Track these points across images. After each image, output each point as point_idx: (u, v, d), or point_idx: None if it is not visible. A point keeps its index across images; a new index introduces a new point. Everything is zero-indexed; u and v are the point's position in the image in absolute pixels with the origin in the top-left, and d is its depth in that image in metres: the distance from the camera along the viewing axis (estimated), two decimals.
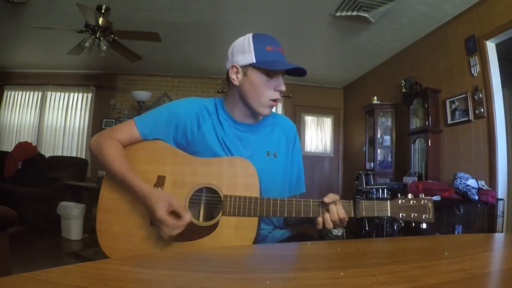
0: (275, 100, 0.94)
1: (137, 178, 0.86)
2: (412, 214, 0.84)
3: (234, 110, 1.00)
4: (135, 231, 0.87)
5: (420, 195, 0.86)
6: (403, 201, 0.85)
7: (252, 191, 0.86)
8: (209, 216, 0.87)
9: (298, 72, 0.94)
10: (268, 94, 0.92)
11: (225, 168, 0.88)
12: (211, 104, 1.02)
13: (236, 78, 0.94)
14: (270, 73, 0.91)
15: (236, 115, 1.00)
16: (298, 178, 1.09)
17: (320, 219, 0.84)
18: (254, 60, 0.91)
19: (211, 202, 0.88)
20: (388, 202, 0.85)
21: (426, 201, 0.84)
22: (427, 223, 0.84)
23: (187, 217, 0.80)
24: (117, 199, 0.90)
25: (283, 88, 0.92)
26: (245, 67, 0.93)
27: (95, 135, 0.97)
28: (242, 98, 0.96)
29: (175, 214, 0.81)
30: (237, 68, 0.94)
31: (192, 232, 0.84)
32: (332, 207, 0.82)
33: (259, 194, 0.86)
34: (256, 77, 0.92)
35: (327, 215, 0.83)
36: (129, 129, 0.95)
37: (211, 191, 0.88)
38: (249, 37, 0.94)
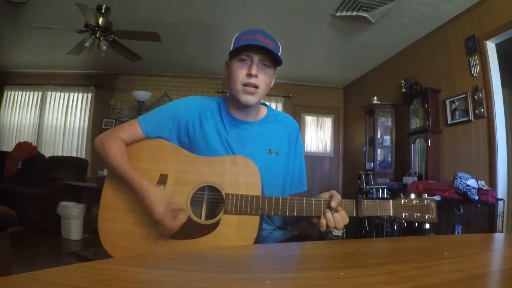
0: (248, 85, 0.93)
1: (137, 175, 0.87)
2: (414, 214, 0.83)
3: (231, 107, 1.02)
4: (136, 229, 0.87)
5: (423, 195, 0.85)
6: (406, 200, 0.84)
7: (254, 190, 0.86)
8: (211, 214, 0.87)
9: (272, 55, 0.93)
10: (240, 79, 0.94)
11: (228, 167, 0.89)
12: (214, 103, 1.04)
13: (225, 73, 1.01)
14: (241, 59, 0.93)
15: (234, 112, 1.02)
16: (300, 176, 1.09)
17: (323, 220, 0.83)
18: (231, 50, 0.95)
19: (213, 200, 0.88)
20: (391, 201, 0.84)
21: (429, 201, 0.83)
22: (430, 224, 0.82)
23: (183, 218, 0.83)
24: (119, 197, 0.91)
25: (252, 72, 0.92)
26: (228, 61, 0.99)
27: (101, 134, 0.99)
28: (229, 90, 0.99)
29: (173, 212, 0.82)
30: (226, 64, 1.01)
31: (193, 230, 0.84)
32: (333, 203, 0.83)
33: (261, 193, 0.86)
34: (231, 65, 0.96)
35: (328, 214, 0.83)
36: (132, 127, 0.98)
37: (213, 189, 0.88)
38: (236, 34, 0.98)
